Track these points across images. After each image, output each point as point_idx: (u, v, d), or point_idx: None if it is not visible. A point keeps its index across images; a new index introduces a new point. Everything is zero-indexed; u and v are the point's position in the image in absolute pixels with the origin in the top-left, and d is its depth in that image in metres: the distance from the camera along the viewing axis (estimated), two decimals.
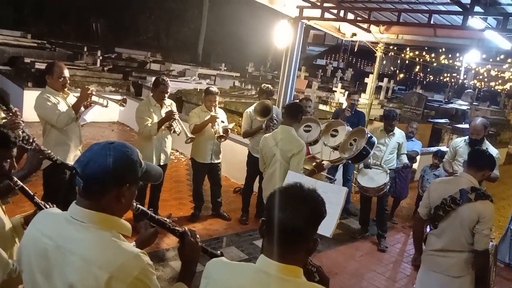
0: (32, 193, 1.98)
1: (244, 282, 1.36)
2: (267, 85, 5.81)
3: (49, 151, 2.51)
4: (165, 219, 1.70)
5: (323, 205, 1.40)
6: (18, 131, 2.90)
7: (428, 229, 3.42)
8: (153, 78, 5.28)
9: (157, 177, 1.62)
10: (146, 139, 4.69)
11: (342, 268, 4.81)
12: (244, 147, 6.28)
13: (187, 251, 1.66)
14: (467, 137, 5.11)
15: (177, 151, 8.42)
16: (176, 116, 4.72)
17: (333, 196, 3.29)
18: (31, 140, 2.63)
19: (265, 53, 25.16)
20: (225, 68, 19.73)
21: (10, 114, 3.13)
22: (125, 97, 4.41)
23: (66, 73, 3.93)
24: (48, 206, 1.95)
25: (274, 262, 1.34)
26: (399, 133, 5.65)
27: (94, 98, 4.03)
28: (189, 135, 4.86)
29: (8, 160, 1.86)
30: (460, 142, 5.23)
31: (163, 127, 4.69)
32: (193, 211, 5.48)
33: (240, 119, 7.78)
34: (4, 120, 3.09)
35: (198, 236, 1.71)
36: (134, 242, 1.73)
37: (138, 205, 1.61)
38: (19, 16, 22.60)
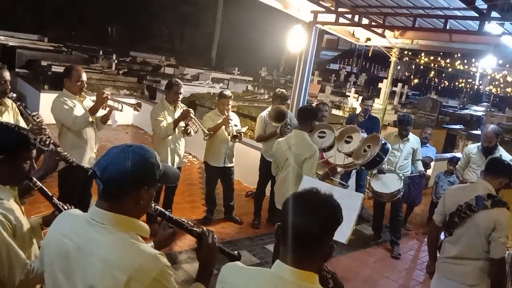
0: (50, 194, 2.01)
1: (259, 287, 1.36)
2: (281, 90, 5.78)
3: (65, 153, 2.54)
4: (183, 219, 1.72)
5: (339, 210, 1.39)
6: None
7: (443, 236, 3.38)
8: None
9: (175, 179, 1.63)
10: (162, 141, 4.70)
11: (355, 274, 4.77)
12: (257, 151, 6.29)
13: (204, 252, 1.67)
14: (480, 143, 5.06)
15: (190, 154, 8.46)
16: (192, 115, 4.73)
17: (349, 202, 3.27)
18: (47, 142, 2.67)
19: (278, 58, 25.17)
20: (238, 72, 19.79)
21: (35, 119, 3.19)
22: (139, 101, 4.47)
23: (84, 77, 3.99)
24: (66, 207, 1.98)
25: (290, 267, 1.34)
26: (413, 139, 5.60)
27: (109, 102, 4.09)
28: (206, 131, 4.86)
29: (28, 161, 1.89)
30: (474, 149, 5.18)
31: (177, 129, 4.71)
32: (205, 215, 5.50)
33: (253, 123, 7.78)
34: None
35: (216, 236, 1.72)
36: (152, 243, 1.74)
37: (156, 206, 1.62)
38: (36, 20, 22.97)
